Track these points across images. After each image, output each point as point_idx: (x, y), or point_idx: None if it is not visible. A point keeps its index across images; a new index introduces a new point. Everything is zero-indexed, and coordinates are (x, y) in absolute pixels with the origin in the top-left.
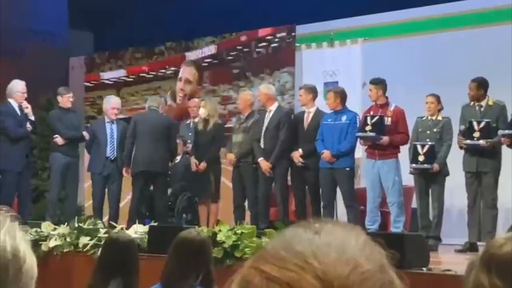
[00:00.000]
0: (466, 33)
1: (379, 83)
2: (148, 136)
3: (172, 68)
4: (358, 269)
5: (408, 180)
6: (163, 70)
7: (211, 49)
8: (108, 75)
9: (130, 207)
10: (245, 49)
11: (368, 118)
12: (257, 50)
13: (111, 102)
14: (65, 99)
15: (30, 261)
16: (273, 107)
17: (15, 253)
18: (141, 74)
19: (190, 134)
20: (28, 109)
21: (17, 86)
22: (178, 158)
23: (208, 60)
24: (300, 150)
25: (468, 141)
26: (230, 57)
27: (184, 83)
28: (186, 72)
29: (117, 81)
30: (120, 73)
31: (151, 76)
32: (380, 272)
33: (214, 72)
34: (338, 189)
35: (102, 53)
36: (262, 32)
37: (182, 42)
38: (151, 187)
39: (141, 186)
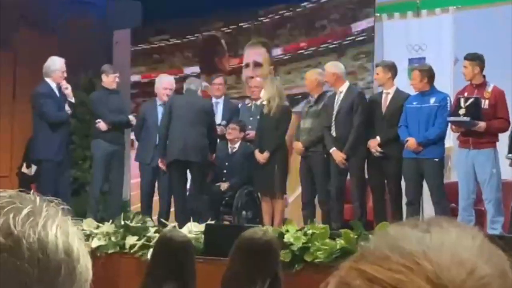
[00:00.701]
0: None
1: (476, 59)
2: (183, 121)
3: (335, 42)
4: (475, 273)
5: (508, 173)
6: (324, 45)
7: None
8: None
9: (175, 204)
10: None
11: (462, 100)
12: None
13: (163, 82)
14: (110, 79)
15: (85, 262)
16: (343, 88)
17: (68, 252)
18: (299, 51)
19: (251, 118)
20: (68, 90)
21: (56, 64)
22: (236, 146)
23: None
24: (378, 138)
25: None
26: None
27: (254, 68)
28: (253, 54)
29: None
30: (276, 52)
31: (310, 52)
32: (502, 278)
33: None
34: (424, 183)
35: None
36: None
37: (348, 12)
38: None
39: (178, 179)
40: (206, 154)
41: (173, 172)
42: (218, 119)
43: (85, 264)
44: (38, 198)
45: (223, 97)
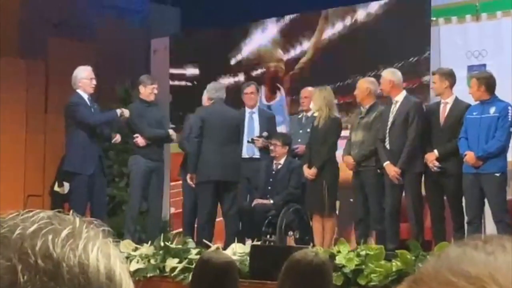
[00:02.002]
0: None
1: None
2: (218, 138)
3: None
4: None
5: None
6: None
7: None
8: None
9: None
10: None
11: None
12: None
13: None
14: (148, 90)
15: (127, 286)
16: (399, 98)
17: (110, 276)
18: None
19: (300, 131)
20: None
21: (82, 73)
22: (282, 162)
23: None
24: (436, 151)
25: None
26: None
27: None
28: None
29: None
30: None
31: None
32: None
33: None
34: (486, 200)
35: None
36: None
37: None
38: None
39: (212, 199)
40: (239, 172)
41: (206, 192)
42: (256, 131)
43: None
44: (77, 219)
45: (257, 106)
